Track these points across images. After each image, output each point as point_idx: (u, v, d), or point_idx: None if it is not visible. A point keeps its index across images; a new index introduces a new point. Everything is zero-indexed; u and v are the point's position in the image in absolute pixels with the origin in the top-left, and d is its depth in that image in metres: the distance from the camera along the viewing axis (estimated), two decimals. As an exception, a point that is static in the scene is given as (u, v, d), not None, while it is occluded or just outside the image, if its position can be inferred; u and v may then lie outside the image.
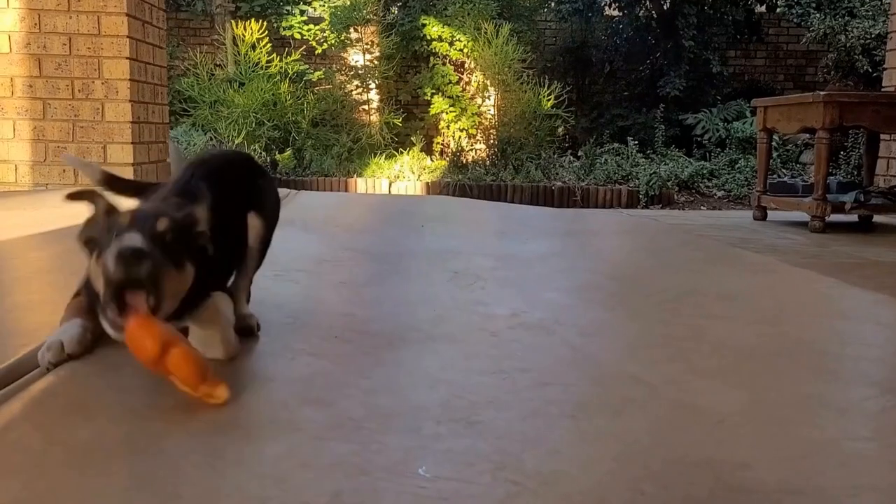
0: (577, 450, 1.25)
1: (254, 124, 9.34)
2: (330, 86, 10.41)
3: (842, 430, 1.41)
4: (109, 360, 1.55)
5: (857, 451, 1.30)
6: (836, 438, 1.37)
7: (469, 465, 1.19)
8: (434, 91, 10.22)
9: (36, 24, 5.15)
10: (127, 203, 1.54)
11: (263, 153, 9.22)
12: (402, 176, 9.14)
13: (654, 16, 11.19)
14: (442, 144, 10.40)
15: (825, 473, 1.17)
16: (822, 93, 4.78)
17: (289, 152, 9.46)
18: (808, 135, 6.09)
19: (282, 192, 4.93)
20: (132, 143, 5.26)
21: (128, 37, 5.18)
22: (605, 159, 9.28)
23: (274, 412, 1.37)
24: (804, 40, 10.21)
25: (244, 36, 9.76)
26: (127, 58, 5.19)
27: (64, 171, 5.25)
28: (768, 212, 5.56)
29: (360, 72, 10.54)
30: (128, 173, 5.24)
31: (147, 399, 1.38)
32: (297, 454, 1.19)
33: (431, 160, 9.87)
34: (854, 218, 5.27)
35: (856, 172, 7.97)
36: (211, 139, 9.17)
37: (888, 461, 1.27)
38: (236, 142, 9.08)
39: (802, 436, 1.36)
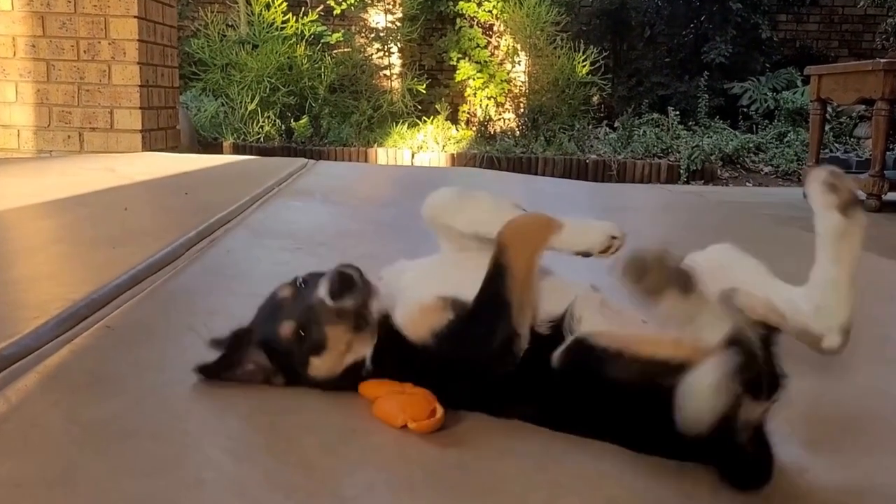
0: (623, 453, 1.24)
1: (268, 90, 9.33)
2: (349, 49, 10.37)
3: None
4: (127, 334, 1.57)
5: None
6: (900, 433, 1.36)
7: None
8: (460, 55, 10.14)
9: (40, -21, 5.17)
10: None
11: (278, 121, 9.23)
12: (425, 146, 9.11)
13: (699, -25, 11.02)
14: (468, 113, 10.35)
15: (888, 470, 1.16)
16: (882, 60, 4.70)
17: (305, 120, 9.45)
18: (864, 106, 5.99)
19: (299, 161, 4.97)
20: (140, 107, 5.28)
21: (137, -6, 5.20)
22: (644, 131, 9.18)
23: (299, 401, 1.37)
24: (861, 3, 10.00)
25: (258, -6, 9.74)
26: (135, 17, 5.20)
27: (69, 136, 5.30)
28: (820, 189, 5.48)
29: (381, 34, 10.49)
30: (135, 140, 5.27)
31: (169, 376, 1.39)
32: (327, 444, 1.20)
33: (457, 130, 9.82)
34: (914, 197, 5.19)
35: (916, 148, 7.85)
36: (222, 105, 9.19)
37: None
38: (249, 108, 9.10)
39: (863, 428, 1.35)
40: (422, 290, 1.30)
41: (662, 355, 1.11)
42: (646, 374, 1.12)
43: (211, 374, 1.32)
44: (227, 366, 1.32)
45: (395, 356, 1.29)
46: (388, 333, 1.28)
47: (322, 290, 1.25)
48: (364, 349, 1.30)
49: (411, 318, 1.27)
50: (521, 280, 1.21)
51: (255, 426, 1.24)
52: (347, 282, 1.24)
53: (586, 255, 1.29)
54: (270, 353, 1.31)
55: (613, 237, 1.29)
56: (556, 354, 1.19)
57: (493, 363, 1.22)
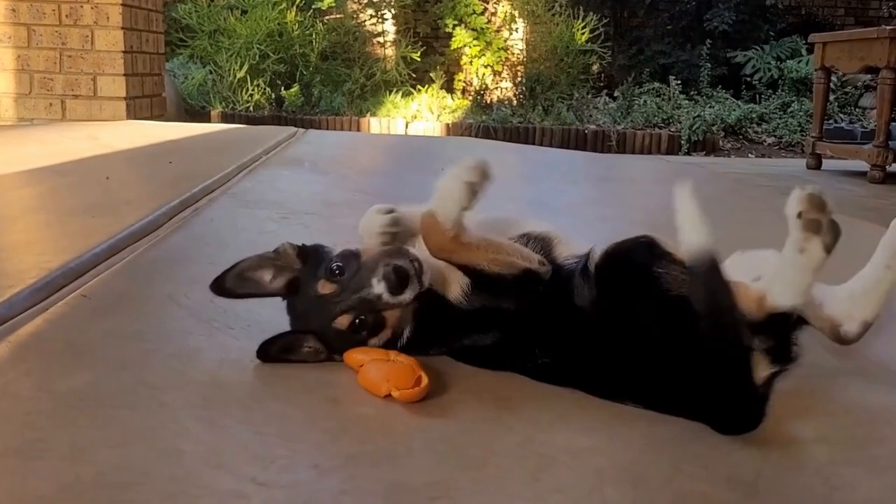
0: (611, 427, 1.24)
1: (257, 57, 9.24)
2: (341, 15, 10.27)
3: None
4: (104, 304, 1.56)
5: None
6: (892, 405, 1.36)
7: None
8: (456, 22, 10.05)
9: (19, -60, 5.10)
10: None
11: (268, 89, 9.16)
12: (419, 116, 9.05)
13: (703, -61, 10.91)
14: (464, 82, 10.28)
15: (882, 442, 1.16)
16: (888, 27, 4.66)
17: (296, 88, 9.38)
18: (870, 76, 5.96)
19: (288, 130, 4.93)
20: (124, 74, 5.23)
21: (120, -44, 5.13)
22: (644, 101, 9.14)
23: (281, 371, 1.37)
24: (870, -31, 9.93)
25: (247, -43, 9.62)
26: (119, -20, 5.14)
27: (51, 104, 5.25)
28: (823, 160, 5.47)
29: (374, 0, 10.40)
30: (119, 108, 5.23)
31: (146, 346, 1.39)
32: (307, 415, 1.20)
33: (452, 99, 9.77)
34: (919, 168, 5.18)
35: (922, 118, 7.83)
36: (210, 73, 9.11)
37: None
38: (238, 76, 9.03)
39: (855, 402, 1.35)
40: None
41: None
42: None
43: (269, 357, 1.35)
44: (284, 349, 1.36)
45: (436, 322, 1.37)
46: (429, 300, 1.35)
47: (379, 287, 1.29)
48: (407, 318, 1.37)
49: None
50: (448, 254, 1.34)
51: (235, 397, 1.24)
52: (404, 278, 1.29)
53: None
54: (324, 341, 1.36)
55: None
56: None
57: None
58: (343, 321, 1.32)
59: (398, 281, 1.28)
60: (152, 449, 1.06)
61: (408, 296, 1.30)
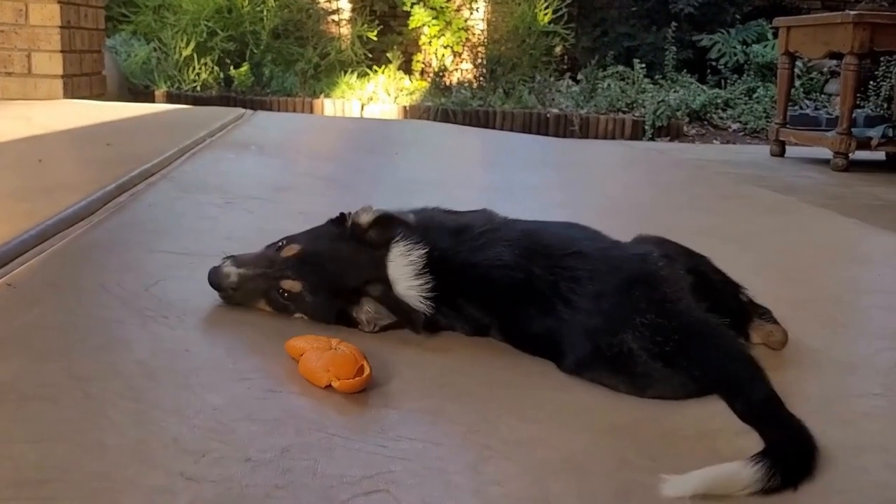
0: (561, 418, 1.26)
1: (205, 34, 9.12)
2: (294, -9, 10.18)
3: (848, 386, 1.43)
4: (30, 293, 1.54)
5: (863, 409, 1.33)
6: (841, 395, 1.40)
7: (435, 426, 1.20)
8: (415, 1, 10.02)
9: None
10: None
11: (216, 68, 9.05)
12: (376, 98, 9.01)
13: (669, -81, 10.97)
14: (423, 63, 10.25)
15: (826, 434, 1.19)
16: (852, 12, 4.75)
17: (245, 67, 9.28)
18: (834, 61, 6.07)
19: (236, 111, 4.89)
20: (61, 51, 5.13)
21: (56, -75, 5.02)
22: (608, 84, 9.19)
23: (216, 360, 1.37)
24: (837, -48, 10.08)
25: (194, -71, 9.47)
26: (55, -50, 5.03)
27: (-17, 82, 5.13)
28: (787, 147, 5.57)
29: (329, -25, 10.31)
30: (56, 87, 5.13)
31: (73, 336, 1.37)
32: (242, 406, 1.20)
33: (410, 81, 9.73)
34: (881, 155, 5.29)
35: (885, 105, 7.96)
36: (155, 50, 8.97)
37: (898, 419, 1.30)
38: (184, 54, 8.90)
39: (805, 393, 1.38)
40: None
41: None
42: None
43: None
44: None
45: None
46: None
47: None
48: None
49: None
50: None
51: (166, 388, 1.23)
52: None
53: None
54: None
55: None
56: None
57: None
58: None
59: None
60: (74, 443, 1.05)
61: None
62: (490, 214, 1.65)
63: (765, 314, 1.51)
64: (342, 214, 1.62)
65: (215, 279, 1.52)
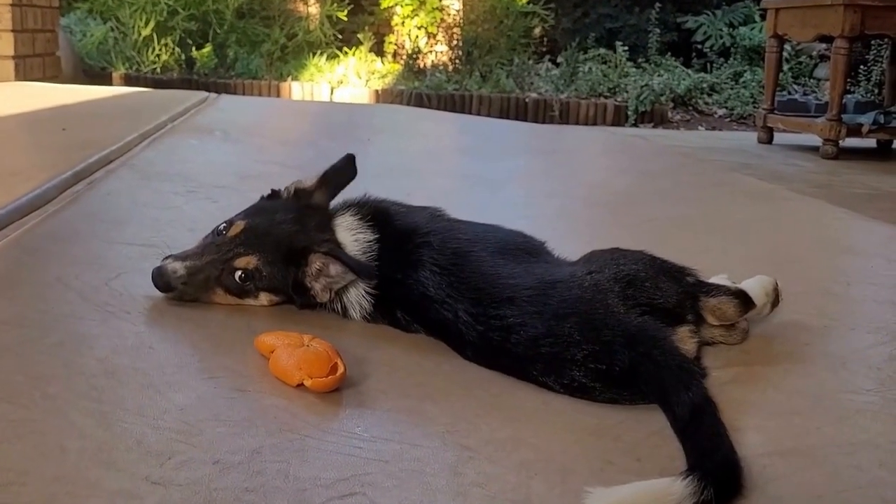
0: (543, 418, 1.27)
1: (165, 13, 9.05)
2: (260, -32, 10.13)
3: (841, 381, 1.45)
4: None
5: (856, 406, 1.35)
6: (833, 391, 1.41)
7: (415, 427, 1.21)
8: (387, -22, 10.01)
9: None
10: None
11: (177, 49, 8.98)
12: (346, 81, 8.99)
13: None
14: (395, 45, 10.23)
15: (820, 431, 1.20)
16: (843, -6, 4.78)
17: (208, 48, 9.22)
18: (824, 45, 6.12)
19: (199, 95, 4.85)
20: (12, 30, 5.08)
21: None
22: (590, 67, 9.22)
23: (182, 357, 1.36)
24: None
25: None
26: (5, -77, 4.97)
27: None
28: (775, 133, 5.62)
29: (296, -48, 10.26)
30: (6, 68, 5.07)
31: (29, 333, 1.36)
32: (209, 406, 1.19)
33: (382, 63, 9.72)
34: (872, 143, 5.35)
35: (876, 91, 8.06)
36: (112, 30, 8.89)
37: (891, 415, 1.32)
38: (143, 34, 8.83)
39: (797, 389, 1.40)
40: None
41: None
42: None
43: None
44: None
45: None
46: None
47: None
48: None
49: None
50: None
51: (129, 387, 1.22)
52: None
53: None
54: None
55: None
56: None
57: None
58: None
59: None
60: (33, 446, 1.04)
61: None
62: (435, 216, 1.68)
63: (712, 291, 1.50)
64: (274, 190, 1.70)
65: (161, 279, 1.49)
